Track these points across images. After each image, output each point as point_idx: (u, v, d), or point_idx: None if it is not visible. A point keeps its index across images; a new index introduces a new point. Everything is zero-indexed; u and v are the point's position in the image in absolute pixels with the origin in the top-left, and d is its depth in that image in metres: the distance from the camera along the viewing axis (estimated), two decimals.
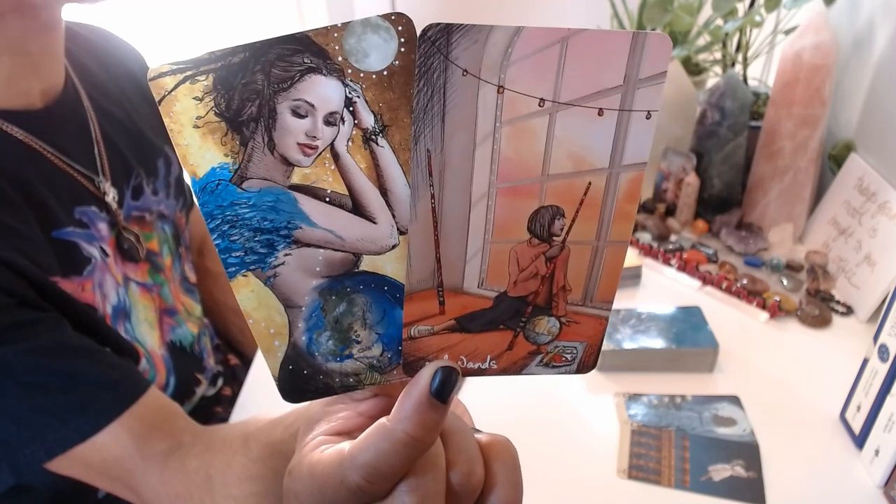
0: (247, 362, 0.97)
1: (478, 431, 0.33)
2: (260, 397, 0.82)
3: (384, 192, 0.29)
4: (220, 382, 0.86)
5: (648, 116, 0.27)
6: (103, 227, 0.65)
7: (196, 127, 0.27)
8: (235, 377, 0.93)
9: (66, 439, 0.54)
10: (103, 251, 0.65)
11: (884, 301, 0.81)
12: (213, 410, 0.84)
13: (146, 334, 0.70)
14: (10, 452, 0.54)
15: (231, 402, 0.83)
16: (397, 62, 0.26)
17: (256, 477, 0.51)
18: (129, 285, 0.69)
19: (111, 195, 0.67)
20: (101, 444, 0.55)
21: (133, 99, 0.78)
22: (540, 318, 0.32)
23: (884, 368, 0.65)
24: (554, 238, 0.30)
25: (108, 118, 0.72)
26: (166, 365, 0.73)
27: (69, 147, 0.64)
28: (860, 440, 0.69)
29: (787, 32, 1.09)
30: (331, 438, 0.32)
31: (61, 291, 0.58)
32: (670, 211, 1.13)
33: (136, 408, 0.56)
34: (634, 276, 0.99)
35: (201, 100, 0.26)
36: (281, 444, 0.50)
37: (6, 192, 0.56)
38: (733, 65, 1.15)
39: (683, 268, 1.01)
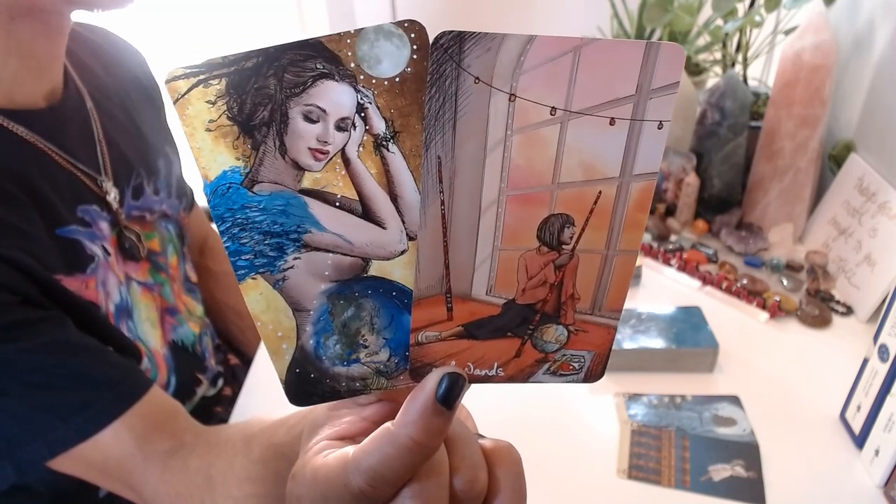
0: (247, 362, 0.97)
1: (481, 437, 0.33)
2: (260, 398, 0.82)
3: (394, 198, 0.29)
4: (220, 383, 0.86)
5: (660, 126, 0.27)
6: (104, 226, 0.65)
7: (208, 130, 0.27)
8: (236, 377, 0.93)
9: (68, 438, 0.54)
10: (105, 250, 0.65)
11: (884, 301, 0.81)
12: (214, 410, 0.84)
13: (148, 333, 0.70)
14: (12, 450, 0.54)
15: (231, 402, 0.83)
16: (409, 69, 0.26)
17: (257, 478, 0.51)
18: (130, 284, 0.69)
19: (112, 194, 0.67)
20: (103, 442, 0.55)
21: (134, 99, 0.78)
22: (548, 326, 0.32)
23: (884, 368, 0.66)
24: (563, 246, 0.30)
25: (109, 118, 0.72)
26: (167, 364, 0.72)
27: (72, 146, 0.64)
28: (860, 440, 0.69)
29: (787, 32, 1.09)
30: (334, 443, 0.32)
31: (64, 289, 0.58)
32: (670, 211, 1.14)
33: (138, 407, 0.56)
34: (634, 276, 0.99)
35: (214, 103, 0.26)
36: (283, 446, 0.50)
37: (10, 190, 0.56)
38: (733, 65, 1.15)
39: (683, 268, 1.01)
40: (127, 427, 0.55)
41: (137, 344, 0.67)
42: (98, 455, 0.55)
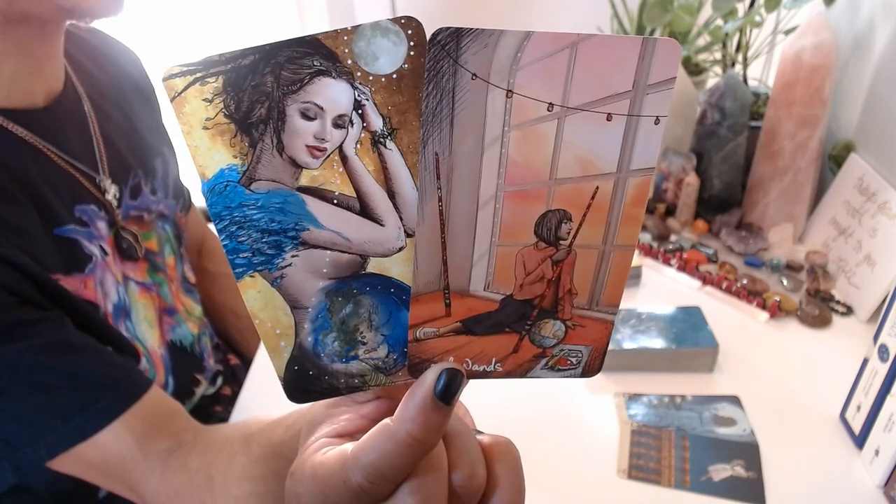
0: (246, 362, 0.97)
1: (479, 433, 0.33)
2: (260, 397, 0.82)
3: (392, 195, 0.29)
4: (219, 382, 0.86)
5: (657, 122, 0.27)
6: (102, 226, 0.66)
7: (205, 128, 0.27)
8: (235, 376, 0.93)
9: (68, 438, 0.54)
10: (103, 249, 0.65)
11: (884, 301, 0.81)
12: (213, 410, 0.84)
13: (146, 333, 0.70)
14: (12, 451, 0.54)
15: (231, 401, 0.83)
16: (406, 65, 0.26)
17: (257, 477, 0.51)
18: (128, 284, 0.69)
19: (112, 192, 0.68)
20: (103, 442, 0.55)
21: (130, 99, 0.79)
22: (545, 321, 0.32)
23: (884, 368, 0.66)
24: (561, 242, 0.30)
25: (106, 118, 0.72)
26: (165, 365, 0.73)
27: (70, 146, 0.64)
28: (860, 440, 0.69)
29: (787, 32, 1.10)
30: (333, 440, 0.32)
31: (62, 289, 0.58)
32: (670, 211, 1.14)
33: (137, 407, 0.56)
34: (634, 276, 0.99)
35: (211, 101, 0.26)
36: (282, 444, 0.50)
37: (9, 189, 0.56)
38: (733, 65, 1.15)
39: (683, 268, 1.01)
40: (126, 427, 0.55)
41: (135, 344, 0.67)
42: (98, 455, 0.55)
